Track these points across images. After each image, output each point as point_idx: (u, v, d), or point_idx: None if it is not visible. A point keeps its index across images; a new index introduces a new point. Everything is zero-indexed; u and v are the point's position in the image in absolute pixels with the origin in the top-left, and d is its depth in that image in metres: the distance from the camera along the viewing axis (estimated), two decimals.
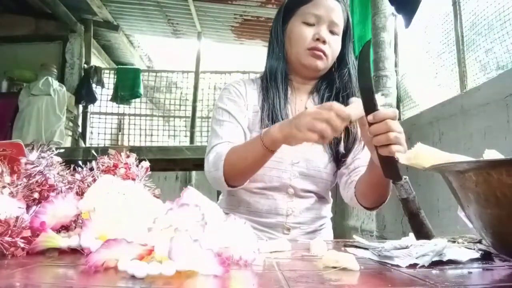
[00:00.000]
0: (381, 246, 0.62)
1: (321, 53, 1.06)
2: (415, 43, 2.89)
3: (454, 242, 0.70)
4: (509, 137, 1.60)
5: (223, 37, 6.17)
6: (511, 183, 0.45)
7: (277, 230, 1.08)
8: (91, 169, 0.72)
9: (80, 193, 0.67)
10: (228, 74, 6.16)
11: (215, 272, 0.45)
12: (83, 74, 5.58)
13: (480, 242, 0.68)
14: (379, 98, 0.78)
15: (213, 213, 0.53)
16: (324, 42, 1.05)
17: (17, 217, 0.53)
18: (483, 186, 0.48)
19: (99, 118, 6.07)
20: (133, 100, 6.06)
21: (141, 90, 5.87)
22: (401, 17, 2.56)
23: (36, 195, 0.64)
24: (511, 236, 0.49)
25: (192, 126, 5.81)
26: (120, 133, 6.47)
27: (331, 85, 1.13)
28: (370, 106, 0.78)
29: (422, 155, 0.64)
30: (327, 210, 1.17)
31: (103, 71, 5.85)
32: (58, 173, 0.69)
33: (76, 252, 0.56)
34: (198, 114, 5.92)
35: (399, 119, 2.73)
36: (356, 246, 0.67)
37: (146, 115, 6.52)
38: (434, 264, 0.54)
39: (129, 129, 6.35)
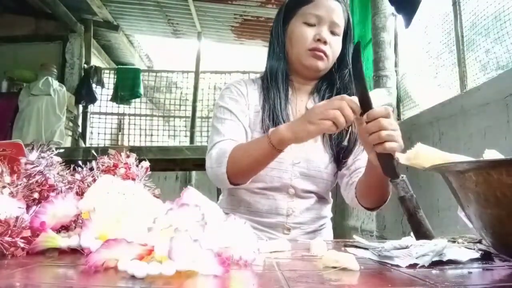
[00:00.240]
0: (381, 246, 0.62)
1: (322, 54, 1.06)
2: (415, 43, 2.89)
3: (454, 242, 0.70)
4: (509, 137, 1.60)
5: (223, 37, 6.17)
6: (511, 183, 0.45)
7: (277, 230, 1.08)
8: (91, 169, 0.72)
9: (80, 193, 0.67)
10: (228, 74, 6.16)
11: (215, 272, 0.45)
12: (83, 74, 5.58)
13: (480, 242, 0.68)
14: (383, 93, 0.80)
15: (213, 213, 0.53)
16: (325, 42, 1.05)
17: (17, 217, 0.53)
18: (483, 186, 0.48)
19: (99, 118, 6.07)
20: (133, 100, 6.07)
21: (141, 90, 5.88)
22: (401, 17, 2.56)
23: (36, 195, 0.64)
24: (511, 236, 0.49)
25: (192, 126, 5.81)
26: (120, 133, 6.47)
27: (332, 86, 1.13)
28: (365, 105, 0.80)
29: (422, 155, 0.64)
30: (327, 210, 1.18)
31: (103, 71, 5.86)
32: (58, 173, 0.69)
33: (76, 252, 0.56)
34: (198, 114, 5.93)
35: (399, 119, 2.74)
36: (356, 246, 0.67)
37: (146, 115, 6.53)
38: (434, 264, 0.54)
39: (129, 129, 6.35)
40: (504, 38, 1.83)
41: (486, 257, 0.59)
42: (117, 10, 5.53)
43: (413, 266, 0.52)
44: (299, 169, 1.08)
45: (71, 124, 5.40)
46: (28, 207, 0.59)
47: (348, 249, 0.66)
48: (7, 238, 0.52)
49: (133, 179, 0.72)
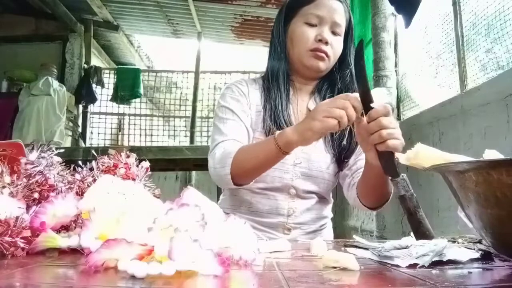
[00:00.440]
0: (381, 246, 0.62)
1: (323, 54, 1.06)
2: (415, 43, 2.89)
3: (454, 242, 0.70)
4: (509, 137, 1.60)
5: (223, 37, 6.17)
6: (511, 183, 0.45)
7: (278, 230, 1.08)
8: (91, 169, 0.72)
9: (80, 193, 0.67)
10: (228, 74, 6.16)
11: (215, 272, 0.45)
12: (83, 74, 5.58)
13: (480, 242, 0.68)
14: (383, 92, 0.80)
15: (213, 213, 0.53)
16: (326, 43, 1.05)
17: (17, 217, 0.53)
18: (483, 186, 0.48)
19: (99, 118, 6.08)
20: (133, 100, 6.07)
21: (141, 90, 5.88)
22: (401, 17, 2.56)
23: (36, 195, 0.64)
24: (511, 236, 0.49)
25: (192, 126, 5.81)
26: (120, 133, 6.47)
27: (333, 86, 1.13)
28: (366, 104, 0.80)
29: (422, 155, 0.64)
30: (328, 211, 1.18)
31: (103, 71, 5.86)
32: (58, 173, 0.69)
33: (76, 252, 0.56)
34: (198, 114, 5.93)
35: (399, 119, 2.74)
36: (356, 246, 0.67)
37: (146, 115, 6.53)
38: (434, 264, 0.54)
39: (129, 129, 6.35)
40: (504, 38, 1.83)
41: (486, 257, 0.59)
42: (117, 10, 5.53)
43: (413, 266, 0.52)
44: (301, 170, 1.08)
45: (71, 124, 5.40)
46: (28, 207, 0.59)
47: (348, 249, 0.66)
48: (7, 238, 0.52)
49: (133, 179, 0.72)
